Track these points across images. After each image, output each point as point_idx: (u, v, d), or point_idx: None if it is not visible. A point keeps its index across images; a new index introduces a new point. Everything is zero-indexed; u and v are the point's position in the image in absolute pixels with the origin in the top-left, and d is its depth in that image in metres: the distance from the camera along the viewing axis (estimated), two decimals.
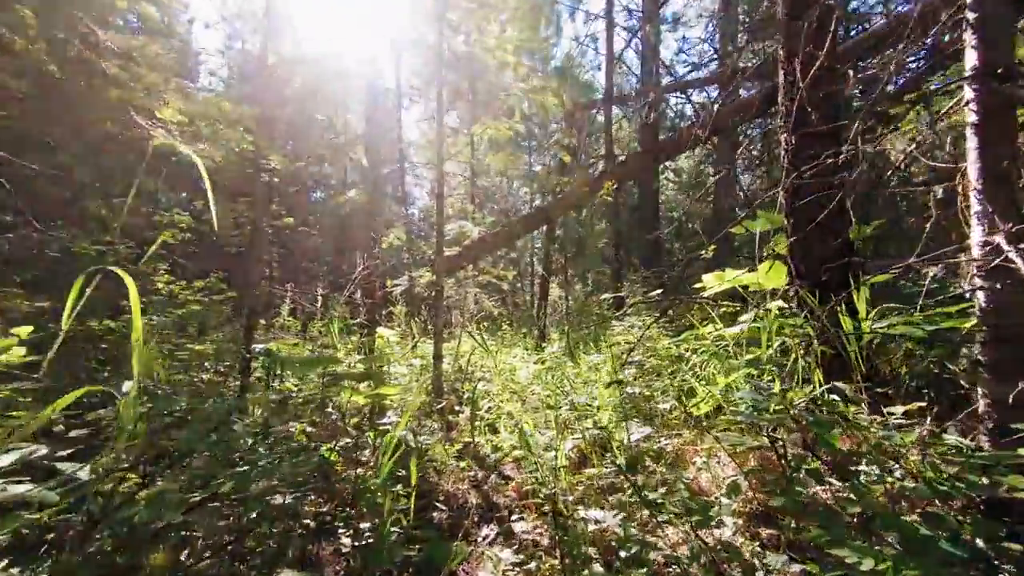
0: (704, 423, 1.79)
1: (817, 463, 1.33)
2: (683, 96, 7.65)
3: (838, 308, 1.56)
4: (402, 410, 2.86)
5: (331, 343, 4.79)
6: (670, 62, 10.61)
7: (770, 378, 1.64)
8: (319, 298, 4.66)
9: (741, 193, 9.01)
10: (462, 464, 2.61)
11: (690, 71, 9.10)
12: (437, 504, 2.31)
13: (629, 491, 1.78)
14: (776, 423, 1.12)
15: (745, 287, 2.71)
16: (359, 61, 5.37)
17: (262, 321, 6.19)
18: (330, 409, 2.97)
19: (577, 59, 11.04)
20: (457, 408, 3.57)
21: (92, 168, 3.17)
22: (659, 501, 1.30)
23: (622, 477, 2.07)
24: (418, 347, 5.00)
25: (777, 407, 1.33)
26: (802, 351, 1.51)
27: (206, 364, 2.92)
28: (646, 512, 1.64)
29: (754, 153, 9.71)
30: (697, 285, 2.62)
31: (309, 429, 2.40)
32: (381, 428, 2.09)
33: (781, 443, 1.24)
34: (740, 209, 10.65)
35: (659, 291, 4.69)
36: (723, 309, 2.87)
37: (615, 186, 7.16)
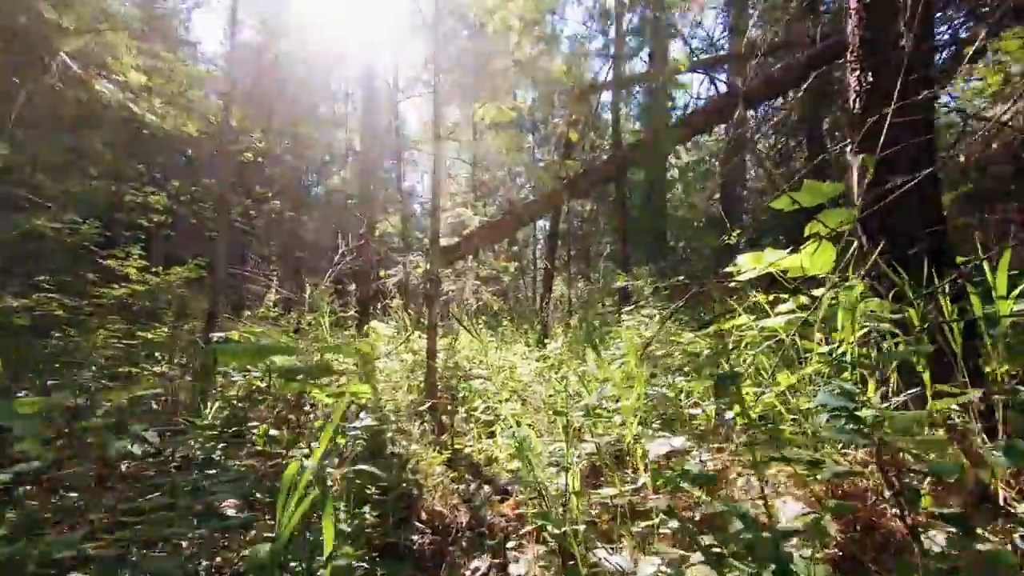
0: (759, 435, 1.41)
1: (929, 505, 0.95)
2: (703, 72, 7.24)
3: (940, 290, 1.19)
4: (383, 411, 2.49)
5: (321, 336, 4.45)
6: (682, 45, 10.19)
7: (852, 379, 1.26)
8: (307, 287, 4.28)
9: (764, 173, 8.56)
10: (451, 475, 2.25)
11: (702, 52, 8.69)
12: (419, 524, 1.94)
13: (658, 519, 1.41)
14: (928, 445, 0.75)
15: (784, 272, 2.33)
16: (353, 32, 5.01)
17: (247, 311, 5.82)
18: (307, 408, 2.62)
19: (585, 40, 10.63)
20: (451, 408, 3.23)
21: (37, 135, 2.81)
22: (717, 550, 0.93)
23: (642, 497, 1.69)
24: (412, 341, 4.64)
25: (881, 418, 0.95)
26: (896, 345, 1.14)
27: (156, 355, 2.56)
28: (675, 549, 1.26)
29: (761, 149, 9.27)
30: (729, 268, 2.24)
31: (273, 432, 2.05)
32: (350, 433, 1.73)
33: (893, 472, 0.86)
34: (749, 200, 10.22)
35: (679, 279, 4.30)
36: (755, 298, 2.48)
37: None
